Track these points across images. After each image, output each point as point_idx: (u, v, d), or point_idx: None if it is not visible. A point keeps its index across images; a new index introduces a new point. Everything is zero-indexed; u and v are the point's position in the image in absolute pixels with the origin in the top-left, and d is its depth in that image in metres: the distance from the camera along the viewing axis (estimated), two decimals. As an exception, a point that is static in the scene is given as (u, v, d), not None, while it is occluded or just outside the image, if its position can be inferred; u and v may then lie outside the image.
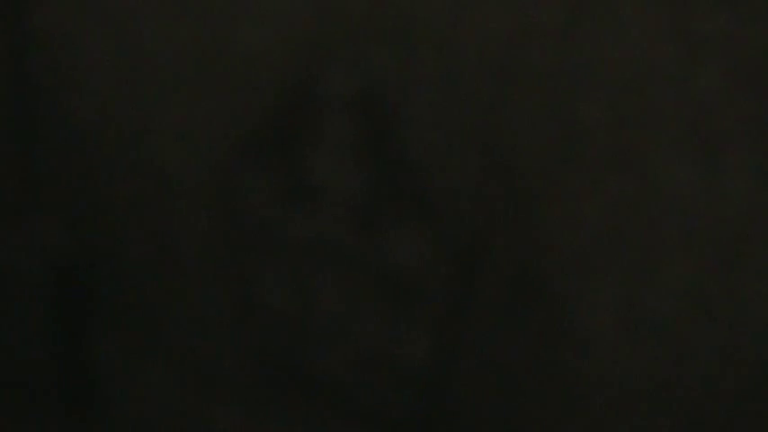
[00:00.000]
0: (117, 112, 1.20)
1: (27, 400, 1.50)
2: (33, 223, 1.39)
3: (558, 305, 0.93)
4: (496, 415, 1.00)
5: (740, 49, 0.77)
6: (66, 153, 1.29)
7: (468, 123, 0.93)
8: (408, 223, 0.98)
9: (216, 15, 1.05)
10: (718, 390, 0.88)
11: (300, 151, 1.02)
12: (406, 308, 1.01)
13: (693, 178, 0.83)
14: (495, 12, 0.89)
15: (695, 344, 0.89)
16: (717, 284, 0.86)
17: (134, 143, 1.20)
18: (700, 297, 0.87)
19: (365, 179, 0.99)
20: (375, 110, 0.97)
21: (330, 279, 1.04)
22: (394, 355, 1.04)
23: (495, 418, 1.00)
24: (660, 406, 0.91)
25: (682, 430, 0.91)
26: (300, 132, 1.02)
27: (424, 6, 0.92)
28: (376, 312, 1.03)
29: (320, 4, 0.98)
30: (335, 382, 1.09)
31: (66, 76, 1.24)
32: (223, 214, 1.13)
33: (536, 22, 0.87)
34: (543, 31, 0.87)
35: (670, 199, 0.85)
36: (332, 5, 0.97)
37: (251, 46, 1.04)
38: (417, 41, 0.93)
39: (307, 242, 1.05)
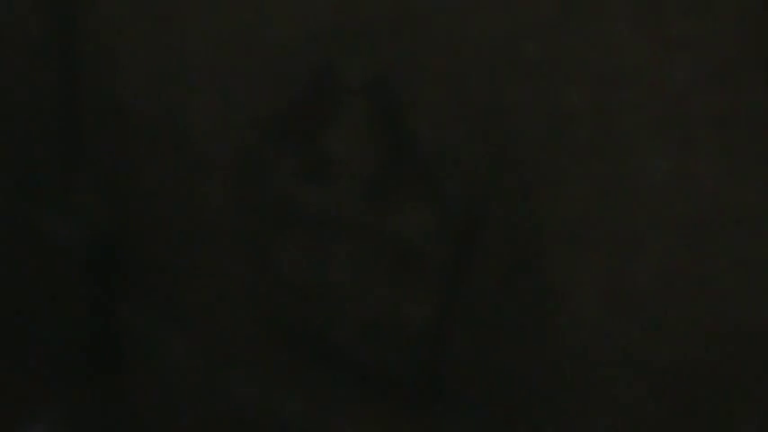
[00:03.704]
0: (158, 98, 1.25)
1: (61, 365, 1.52)
2: (76, 199, 1.42)
3: (547, 277, 0.99)
4: (490, 371, 1.06)
5: (708, 48, 0.83)
6: (109, 135, 1.33)
7: (469, 110, 0.98)
8: (413, 199, 1.04)
9: (247, 12, 1.11)
10: (689, 357, 0.94)
11: (319, 132, 1.08)
12: (410, 275, 1.06)
13: (667, 164, 0.89)
14: (493, 11, 0.95)
15: (668, 316, 0.94)
16: (687, 261, 0.91)
17: (172, 125, 1.24)
18: (672, 273, 0.92)
19: (375, 158, 1.04)
20: (385, 96, 1.03)
21: (343, 249, 1.09)
22: (399, 319, 1.09)
23: (487, 380, 1.06)
24: (636, 371, 0.96)
25: (655, 393, 0.96)
26: (319, 116, 1.08)
27: (429, 6, 0.98)
28: (383, 280, 1.09)
29: (338, 4, 1.03)
30: (347, 346, 1.14)
31: (113, 64, 1.29)
32: (250, 189, 1.18)
33: (529, 21, 0.92)
34: (535, 29, 0.93)
35: (645, 183, 0.91)
36: (348, 5, 1.03)
37: (278, 39, 1.10)
38: (423, 37, 0.99)
39: (322, 214, 1.10)
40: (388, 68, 1.02)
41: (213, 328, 1.30)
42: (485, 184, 1.00)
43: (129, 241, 1.36)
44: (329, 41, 1.05)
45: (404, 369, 1.10)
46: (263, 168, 1.15)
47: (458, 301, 1.06)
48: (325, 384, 1.20)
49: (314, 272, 1.14)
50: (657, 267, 0.93)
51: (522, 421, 1.06)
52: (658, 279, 0.93)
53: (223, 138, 1.19)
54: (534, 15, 0.93)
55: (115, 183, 1.34)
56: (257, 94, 1.14)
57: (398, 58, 1.01)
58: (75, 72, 1.34)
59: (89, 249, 1.39)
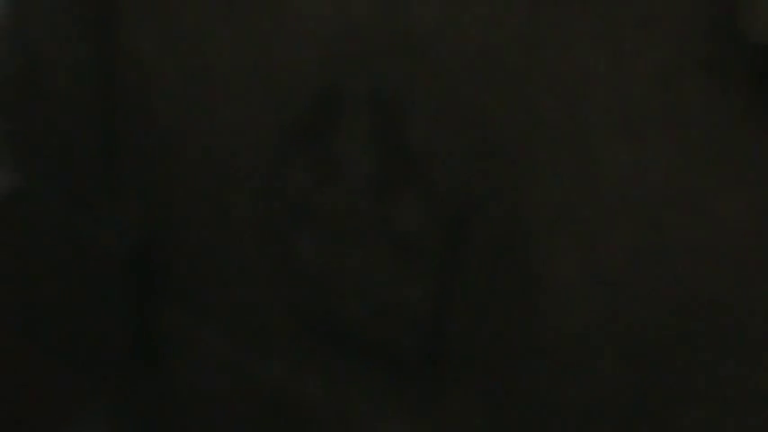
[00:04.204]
0: (188, 111, 1.30)
1: (107, 357, 1.51)
2: (117, 206, 1.44)
3: (528, 258, 1.05)
4: (483, 347, 1.11)
5: (657, 58, 0.92)
6: (146, 146, 1.38)
7: (458, 116, 1.06)
8: (411, 195, 1.10)
9: (266, 35, 1.18)
10: (653, 324, 0.99)
11: (329, 138, 1.15)
12: (410, 263, 1.12)
13: (626, 156, 0.96)
14: (477, 30, 1.03)
15: (635, 289, 1.00)
16: (647, 241, 0.97)
17: (201, 136, 1.30)
18: (636, 251, 0.98)
19: (377, 161, 1.11)
20: (385, 107, 1.10)
21: (351, 240, 1.15)
22: (401, 302, 1.14)
23: (481, 350, 1.11)
24: (608, 338, 1.02)
25: (625, 357, 1.01)
26: (329, 124, 1.15)
27: (422, 28, 1.06)
28: (386, 265, 1.14)
29: (343, 27, 1.11)
30: (358, 326, 1.19)
31: (150, 88, 1.34)
32: (270, 193, 1.24)
33: (509, 38, 1.01)
34: (514, 45, 1.01)
35: (609, 174, 0.98)
36: (352, 28, 1.11)
37: (292, 58, 1.17)
38: (417, 54, 1.07)
39: (333, 211, 1.16)
40: (385, 83, 1.09)
41: (244, 321, 1.33)
42: (472, 180, 1.07)
43: (167, 245, 1.39)
44: (335, 62, 1.13)
45: (408, 344, 1.15)
46: (282, 174, 1.21)
47: (452, 282, 1.11)
48: (342, 362, 1.24)
49: (328, 262, 1.19)
50: (623, 247, 0.99)
51: (512, 385, 1.10)
52: (624, 257, 1.00)
53: (246, 148, 1.24)
54: (513, 33, 1.00)
55: (153, 192, 1.38)
56: (274, 109, 1.20)
57: (394, 73, 1.08)
58: (117, 94, 1.38)
59: (130, 253, 1.41)
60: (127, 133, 1.40)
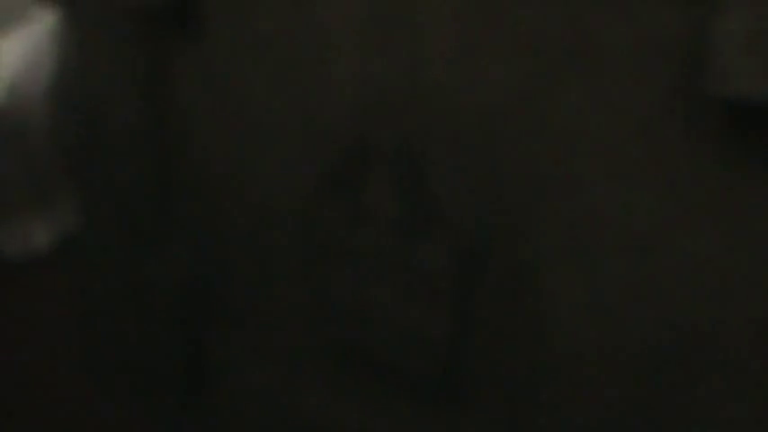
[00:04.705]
0: (231, 160, 1.38)
1: (158, 388, 1.55)
2: (170, 247, 1.51)
3: (538, 294, 1.11)
4: (498, 376, 1.16)
5: (641, 109, 0.99)
6: (195, 192, 1.45)
7: (472, 165, 1.13)
8: (432, 237, 1.18)
9: (301, 92, 1.26)
10: (649, 350, 1.05)
11: (359, 186, 1.22)
12: (432, 298, 1.18)
13: (618, 198, 1.03)
14: (485, 89, 1.10)
15: (631, 317, 1.05)
16: (640, 273, 1.03)
17: (244, 182, 1.37)
18: (630, 283, 1.04)
19: (402, 206, 1.19)
20: (407, 158, 1.18)
21: (381, 278, 1.22)
22: (425, 335, 1.20)
23: (497, 379, 1.17)
24: (609, 364, 1.07)
25: (624, 380, 1.07)
26: (359, 173, 1.23)
27: (438, 87, 1.14)
28: (412, 303, 1.20)
29: (371, 86, 1.19)
30: (385, 361, 1.25)
31: (198, 134, 1.41)
32: (308, 234, 1.31)
33: (510, 95, 1.08)
34: (515, 101, 1.09)
35: (604, 214, 1.05)
36: (378, 87, 1.18)
37: (325, 114, 1.25)
38: (434, 111, 1.15)
39: (363, 251, 1.24)
40: (407, 136, 1.18)
41: (285, 353, 1.39)
42: (485, 223, 1.14)
43: (215, 282, 1.45)
44: (363, 118, 1.21)
45: (430, 374, 1.21)
46: (316, 217, 1.29)
47: (469, 315, 1.18)
48: (372, 392, 1.29)
49: (360, 298, 1.26)
50: (618, 281, 1.06)
51: (524, 411, 1.15)
52: (620, 290, 1.06)
53: (284, 194, 1.32)
54: (515, 91, 1.09)
55: (203, 233, 1.45)
56: (310, 159, 1.28)
57: (415, 127, 1.17)
58: (169, 145, 1.46)
59: (181, 289, 1.46)
60: (179, 179, 1.47)
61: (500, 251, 1.15)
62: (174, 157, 1.47)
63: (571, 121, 1.07)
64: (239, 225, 1.41)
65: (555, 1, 1.06)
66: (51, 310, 1.93)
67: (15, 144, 2.16)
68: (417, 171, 1.19)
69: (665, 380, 1.07)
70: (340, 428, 1.35)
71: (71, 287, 1.69)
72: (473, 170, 1.15)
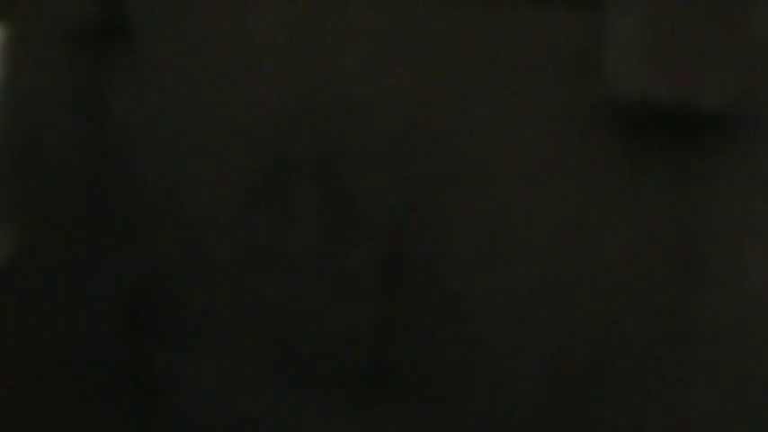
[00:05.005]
0: (166, 171, 1.42)
1: (102, 397, 1.58)
2: (108, 256, 1.53)
3: (458, 291, 1.16)
4: (424, 372, 1.22)
5: (547, 111, 1.06)
6: (132, 202, 1.48)
7: (389, 169, 1.19)
8: (354, 240, 1.23)
9: (229, 102, 1.31)
10: (570, 347, 1.10)
11: (286, 194, 1.28)
12: (357, 297, 1.24)
13: (523, 194, 1.09)
14: (398, 99, 1.16)
15: (550, 315, 1.11)
16: (553, 269, 1.09)
17: (179, 192, 1.41)
18: (544, 279, 1.10)
19: (325, 211, 1.25)
20: (328, 165, 1.24)
21: (309, 281, 1.28)
22: (352, 333, 1.25)
23: (423, 375, 1.22)
24: (532, 359, 1.13)
25: (547, 376, 1.12)
26: (285, 181, 1.28)
27: (355, 98, 1.19)
28: (339, 302, 1.25)
29: (292, 100, 1.24)
30: (318, 360, 1.30)
31: (135, 146, 1.44)
32: (240, 239, 1.35)
33: (423, 104, 1.14)
34: (428, 109, 1.14)
35: (517, 212, 1.11)
36: (298, 100, 1.24)
37: (252, 124, 1.30)
38: (353, 119, 1.21)
39: (293, 255, 1.29)
40: (328, 145, 1.23)
41: (225, 355, 1.43)
42: (405, 223, 1.20)
43: (157, 289, 1.48)
44: (288, 129, 1.27)
45: (359, 371, 1.27)
46: (249, 224, 1.34)
47: (394, 315, 1.23)
48: (306, 389, 1.34)
49: (291, 300, 1.31)
50: (536, 278, 1.12)
51: (450, 405, 1.21)
52: (535, 284, 1.12)
53: (217, 203, 1.37)
54: (427, 100, 1.14)
55: (142, 243, 1.48)
56: (239, 168, 1.33)
57: (336, 137, 1.22)
58: (106, 157, 1.49)
59: (123, 299, 1.49)
60: (117, 192, 1.51)
61: (419, 251, 1.21)
62: (112, 170, 1.50)
63: (480, 125, 1.14)
64: (176, 234, 1.46)
65: (461, 11, 1.12)
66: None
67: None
68: (337, 177, 1.25)
69: (579, 374, 1.13)
70: (278, 428, 1.39)
71: (13, 302, 1.72)
72: (390, 174, 1.21)
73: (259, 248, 1.36)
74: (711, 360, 1.06)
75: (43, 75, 1.57)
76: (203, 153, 1.39)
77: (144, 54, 1.42)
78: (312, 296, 1.32)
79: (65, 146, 1.56)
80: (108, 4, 1.42)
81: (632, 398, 1.11)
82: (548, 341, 1.14)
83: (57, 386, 1.69)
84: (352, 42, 1.21)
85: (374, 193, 1.23)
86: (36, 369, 1.72)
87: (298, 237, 1.31)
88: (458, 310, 1.20)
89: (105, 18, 1.42)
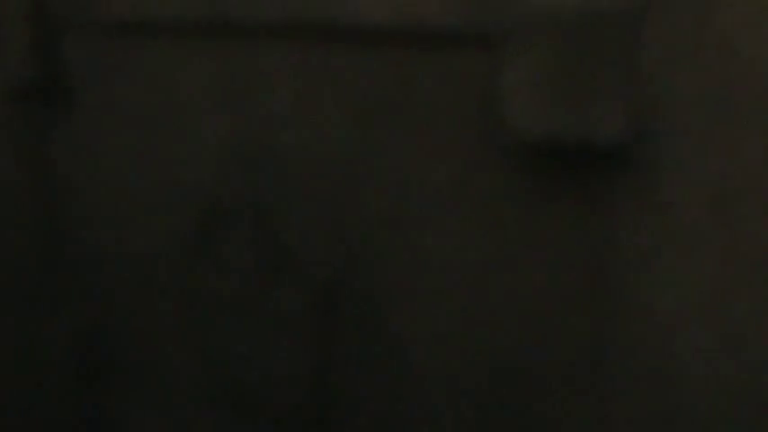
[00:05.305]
0: (110, 220, 1.46)
1: None
2: (58, 308, 1.56)
3: (389, 324, 1.21)
4: (359, 406, 1.26)
5: (459, 157, 1.14)
6: (77, 253, 1.51)
7: (318, 214, 1.24)
8: (289, 283, 1.27)
9: (165, 156, 1.36)
10: (489, 380, 1.15)
11: (220, 240, 1.33)
12: (294, 338, 1.28)
13: (447, 238, 1.14)
14: (324, 146, 1.20)
15: (473, 348, 1.15)
16: (469, 305, 1.14)
17: (122, 242, 1.45)
18: (464, 313, 1.15)
19: (260, 256, 1.29)
20: (261, 212, 1.28)
21: (248, 324, 1.32)
22: (291, 373, 1.29)
23: (359, 409, 1.26)
24: (455, 388, 1.18)
25: (468, 401, 1.17)
26: (221, 229, 1.33)
27: (285, 145, 1.24)
28: (278, 344, 1.29)
29: (225, 147, 1.29)
30: (261, 400, 1.34)
31: (75, 195, 1.48)
32: (182, 287, 1.39)
33: (344, 151, 1.18)
34: (350, 153, 1.18)
35: (435, 252, 1.15)
36: (232, 148, 1.29)
37: (187, 175, 1.35)
38: (284, 166, 1.25)
39: (231, 300, 1.33)
40: (261, 192, 1.27)
41: (172, 399, 1.47)
42: (335, 264, 1.24)
43: (106, 337, 1.52)
44: (220, 175, 1.32)
45: (300, 410, 1.30)
46: (189, 271, 1.38)
47: (329, 354, 1.27)
48: (251, 429, 1.38)
49: (232, 344, 1.35)
50: (461, 312, 1.16)
51: None
52: (464, 321, 1.17)
53: (158, 252, 1.42)
54: (347, 146, 1.19)
55: (87, 292, 1.52)
56: (177, 217, 1.38)
57: (266, 183, 1.27)
58: (50, 213, 1.53)
59: (76, 346, 1.52)
60: (66, 246, 1.54)
61: (350, 291, 1.26)
62: (58, 225, 1.54)
63: (400, 169, 1.18)
64: (120, 282, 1.50)
65: (379, 59, 1.16)
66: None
67: None
68: (268, 222, 1.29)
69: (505, 404, 1.17)
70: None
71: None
72: (320, 219, 1.26)
73: (199, 294, 1.40)
74: (627, 388, 1.10)
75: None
76: (143, 203, 1.44)
77: (83, 110, 1.46)
78: (251, 340, 1.36)
79: (9, 201, 1.60)
80: (48, 65, 1.46)
81: (557, 426, 1.15)
82: (475, 372, 1.19)
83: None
84: (277, 90, 1.24)
85: (305, 237, 1.27)
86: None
87: (233, 282, 1.35)
88: (390, 346, 1.24)
89: (45, 78, 1.46)
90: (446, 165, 1.14)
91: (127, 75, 1.39)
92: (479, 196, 1.13)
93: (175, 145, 1.37)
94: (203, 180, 1.35)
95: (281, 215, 1.28)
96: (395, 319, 1.23)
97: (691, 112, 1.01)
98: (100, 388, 1.56)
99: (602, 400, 1.11)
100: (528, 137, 1.02)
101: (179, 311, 1.44)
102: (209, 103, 1.31)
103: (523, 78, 1.00)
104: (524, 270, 1.13)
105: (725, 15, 1.00)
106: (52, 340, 1.57)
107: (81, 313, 1.54)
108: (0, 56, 1.49)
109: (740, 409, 1.03)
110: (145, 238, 1.45)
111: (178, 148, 1.36)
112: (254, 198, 1.30)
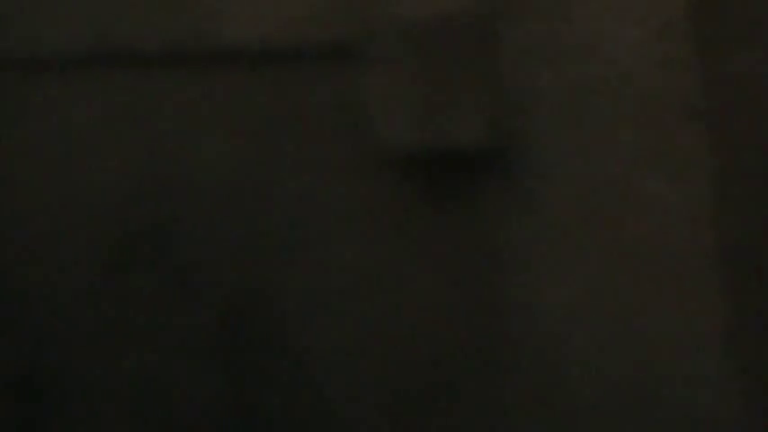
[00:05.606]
0: (27, 252, 1.48)
1: None
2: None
3: (296, 340, 1.24)
4: (275, 425, 1.29)
5: (347, 165, 1.18)
6: (7, 288, 1.52)
7: (220, 236, 1.27)
8: (189, 304, 1.31)
9: (66, 193, 1.40)
10: (403, 392, 1.18)
11: (130, 267, 1.36)
12: (201, 359, 1.31)
13: (341, 250, 1.18)
14: (225, 171, 1.24)
15: (383, 356, 1.18)
16: (376, 312, 1.18)
17: (44, 274, 1.47)
18: (372, 321, 1.18)
19: (164, 282, 1.33)
20: (164, 236, 1.32)
21: (159, 347, 1.35)
22: (200, 394, 1.33)
23: (274, 423, 1.29)
24: (364, 395, 1.21)
25: (378, 408, 1.20)
26: (127, 255, 1.36)
27: (180, 172, 1.28)
28: (190, 366, 1.33)
29: (126, 180, 1.34)
30: (173, 421, 1.37)
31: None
32: (96, 313, 1.42)
33: (247, 174, 1.22)
34: (253, 179, 1.21)
35: (335, 265, 1.19)
36: (136, 179, 1.32)
37: (95, 209, 1.38)
38: (182, 192, 1.29)
39: (140, 325, 1.36)
40: (163, 218, 1.31)
41: (96, 423, 1.49)
42: (240, 288, 1.28)
43: (38, 375, 1.53)
44: (125, 206, 1.35)
45: (215, 428, 1.34)
46: (102, 298, 1.41)
47: (240, 371, 1.30)
48: None
49: (144, 367, 1.38)
50: (363, 322, 1.20)
51: None
52: (366, 330, 1.20)
53: (72, 282, 1.44)
54: (250, 171, 1.22)
55: (20, 331, 1.54)
56: (89, 248, 1.41)
57: (168, 210, 1.31)
58: None
59: (11, 380, 1.55)
60: None
61: (256, 310, 1.28)
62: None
63: (292, 185, 1.22)
64: (41, 316, 1.52)
65: (256, 81, 1.18)
66: None
67: None
68: (172, 247, 1.32)
69: (410, 408, 1.20)
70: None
71: None
72: (221, 242, 1.29)
73: (113, 321, 1.43)
74: (520, 385, 1.12)
75: None
76: (53, 237, 1.46)
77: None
78: (163, 362, 1.38)
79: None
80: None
81: (462, 428, 1.17)
82: (379, 378, 1.22)
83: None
84: (165, 118, 1.27)
85: (209, 261, 1.30)
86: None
87: (142, 308, 1.38)
88: (295, 362, 1.27)
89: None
90: (335, 179, 1.18)
91: (23, 110, 1.40)
92: (367, 208, 1.17)
93: (76, 177, 1.39)
94: (110, 211, 1.38)
95: (182, 239, 1.31)
96: (298, 337, 1.25)
97: (553, 113, 1.04)
98: (34, 417, 1.57)
99: (500, 400, 1.14)
100: (398, 148, 1.04)
101: (95, 337, 1.46)
102: (104, 133, 1.33)
103: (386, 90, 1.02)
104: (414, 278, 1.16)
105: (582, 17, 1.03)
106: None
107: (9, 344, 1.56)
108: None
109: (622, 402, 1.05)
110: (57, 271, 1.47)
111: (78, 180, 1.38)
112: (157, 225, 1.33)
